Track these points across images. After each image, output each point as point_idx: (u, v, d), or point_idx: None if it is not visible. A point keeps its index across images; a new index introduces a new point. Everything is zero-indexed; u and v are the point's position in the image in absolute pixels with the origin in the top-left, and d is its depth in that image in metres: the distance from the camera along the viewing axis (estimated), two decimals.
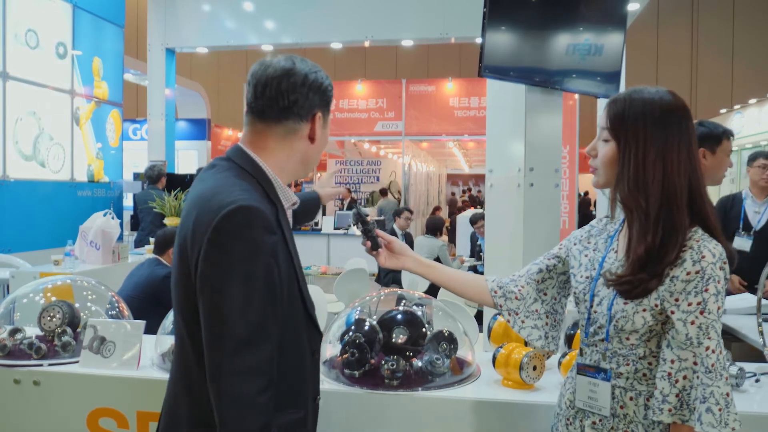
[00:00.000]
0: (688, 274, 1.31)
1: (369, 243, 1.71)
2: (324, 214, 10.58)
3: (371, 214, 11.85)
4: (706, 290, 1.29)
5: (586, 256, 1.54)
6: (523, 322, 1.64)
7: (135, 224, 7.30)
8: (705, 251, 1.31)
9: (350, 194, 13.23)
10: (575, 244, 1.60)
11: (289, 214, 1.55)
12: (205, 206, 1.30)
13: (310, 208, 2.03)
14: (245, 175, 1.39)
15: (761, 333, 2.24)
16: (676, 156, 1.37)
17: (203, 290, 1.27)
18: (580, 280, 1.52)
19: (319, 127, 1.45)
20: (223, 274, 1.25)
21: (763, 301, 2.29)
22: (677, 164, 1.36)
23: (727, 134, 2.74)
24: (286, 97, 1.38)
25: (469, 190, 25.04)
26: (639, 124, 1.38)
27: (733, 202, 3.99)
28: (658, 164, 1.36)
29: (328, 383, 2.03)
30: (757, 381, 2.06)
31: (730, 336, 2.99)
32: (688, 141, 1.38)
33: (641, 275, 1.34)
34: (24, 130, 5.90)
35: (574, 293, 1.54)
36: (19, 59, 5.83)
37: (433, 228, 7.53)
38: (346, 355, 2.08)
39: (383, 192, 13.36)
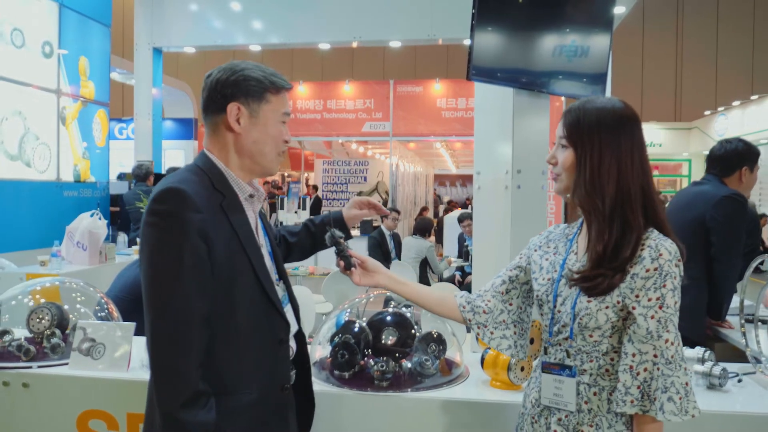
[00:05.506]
0: (647, 271, 1.37)
1: (342, 263, 1.76)
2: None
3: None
4: (664, 286, 1.37)
5: (546, 259, 1.60)
6: (492, 333, 1.68)
7: (124, 225, 7.24)
8: (662, 249, 1.38)
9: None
10: (535, 251, 1.65)
11: (261, 206, 1.67)
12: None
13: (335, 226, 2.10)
14: (197, 169, 1.54)
15: (744, 333, 2.28)
16: (629, 160, 1.44)
17: (140, 266, 1.42)
18: (542, 283, 1.57)
19: (243, 116, 1.54)
20: (151, 248, 1.40)
21: (746, 302, 2.33)
22: (630, 168, 1.43)
23: (759, 153, 2.94)
24: (204, 95, 1.58)
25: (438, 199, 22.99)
26: (594, 131, 1.45)
27: None
28: (612, 168, 1.43)
29: (317, 384, 2.04)
30: (739, 381, 2.10)
31: (713, 336, 3.03)
32: (640, 147, 1.46)
33: (600, 270, 1.41)
34: (9, 129, 5.85)
35: (537, 295, 1.59)
36: (5, 58, 5.78)
37: (422, 229, 7.55)
38: (336, 357, 2.09)
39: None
